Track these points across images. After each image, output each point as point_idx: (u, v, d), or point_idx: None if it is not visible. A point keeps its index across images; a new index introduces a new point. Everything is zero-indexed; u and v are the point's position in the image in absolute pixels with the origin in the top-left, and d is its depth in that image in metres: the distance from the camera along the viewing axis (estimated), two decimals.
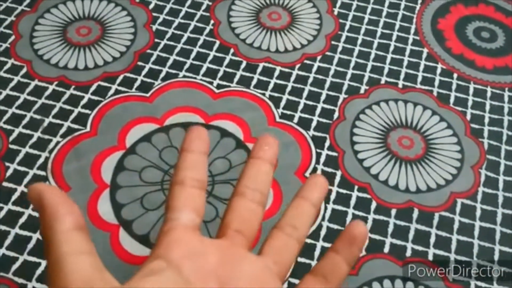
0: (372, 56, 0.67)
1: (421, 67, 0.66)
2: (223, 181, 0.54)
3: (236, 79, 0.63)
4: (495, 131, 0.61)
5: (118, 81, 0.61)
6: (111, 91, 0.60)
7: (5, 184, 0.52)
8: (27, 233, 0.49)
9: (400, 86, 0.64)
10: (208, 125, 0.58)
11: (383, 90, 0.63)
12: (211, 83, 0.62)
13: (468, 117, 0.62)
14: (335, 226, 0.52)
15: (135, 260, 0.48)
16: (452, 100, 0.63)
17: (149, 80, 0.62)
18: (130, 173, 0.54)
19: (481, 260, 0.51)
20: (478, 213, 0.54)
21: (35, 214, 0.50)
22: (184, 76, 0.63)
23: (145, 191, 0.53)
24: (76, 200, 0.51)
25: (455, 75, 0.66)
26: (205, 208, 0.51)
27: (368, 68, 0.65)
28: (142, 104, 0.59)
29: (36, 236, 0.49)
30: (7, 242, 0.49)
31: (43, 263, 0.47)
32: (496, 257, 0.51)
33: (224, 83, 0.62)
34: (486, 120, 0.62)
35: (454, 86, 0.64)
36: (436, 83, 0.64)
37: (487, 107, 0.63)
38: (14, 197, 0.51)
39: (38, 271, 0.47)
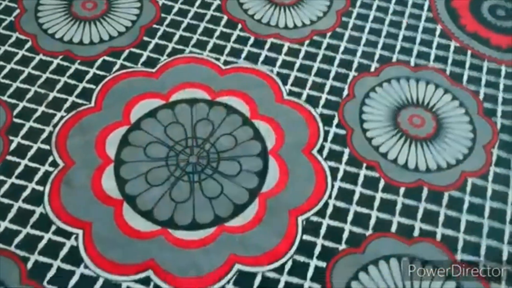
0: (384, 33, 0.65)
1: (434, 45, 0.64)
2: (228, 158, 0.53)
3: (243, 55, 0.61)
4: (508, 111, 0.59)
5: (123, 56, 0.60)
6: (116, 66, 0.59)
7: (8, 157, 0.52)
8: (30, 207, 0.49)
9: (412, 64, 0.62)
10: (214, 102, 0.57)
11: (394, 68, 0.62)
12: (218, 59, 0.61)
13: (481, 96, 0.60)
14: (342, 204, 0.51)
15: (139, 234, 0.48)
16: (465, 78, 0.61)
17: (155, 56, 0.61)
18: (135, 149, 0.53)
19: (491, 240, 0.50)
20: (489, 193, 0.53)
21: (39, 188, 0.50)
22: (191, 52, 0.61)
23: (150, 167, 0.52)
24: (80, 174, 0.51)
25: (468, 53, 0.64)
26: (211, 185, 0.50)
27: (380, 45, 0.64)
28: (147, 80, 0.59)
29: (39, 210, 0.49)
30: (10, 215, 0.48)
31: (46, 236, 0.47)
32: (506, 238, 0.50)
33: (232, 59, 0.61)
34: (500, 100, 0.60)
35: (467, 64, 0.62)
36: (449, 61, 0.63)
37: (501, 86, 0.61)
38: (18, 171, 0.51)
39: (41, 245, 0.47)
